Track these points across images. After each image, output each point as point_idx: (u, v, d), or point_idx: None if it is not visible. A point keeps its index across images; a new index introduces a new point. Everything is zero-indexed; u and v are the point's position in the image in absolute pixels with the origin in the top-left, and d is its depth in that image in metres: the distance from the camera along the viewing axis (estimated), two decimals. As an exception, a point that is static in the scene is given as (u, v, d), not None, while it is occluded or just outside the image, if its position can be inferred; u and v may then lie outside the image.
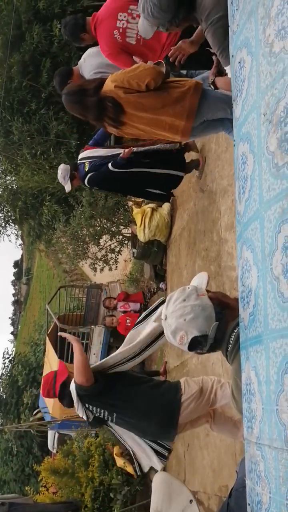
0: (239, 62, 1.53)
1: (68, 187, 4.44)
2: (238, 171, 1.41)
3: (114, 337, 7.45)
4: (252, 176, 1.28)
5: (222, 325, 1.56)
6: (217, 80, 2.71)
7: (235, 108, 1.52)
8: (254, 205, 1.25)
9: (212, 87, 2.74)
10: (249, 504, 1.17)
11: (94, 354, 7.31)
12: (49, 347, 7.94)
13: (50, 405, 7.40)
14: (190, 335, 1.56)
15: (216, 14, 2.18)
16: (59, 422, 7.36)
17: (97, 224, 7.23)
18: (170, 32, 2.57)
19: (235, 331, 1.49)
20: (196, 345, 1.57)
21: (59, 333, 3.78)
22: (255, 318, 1.22)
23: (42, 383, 3.51)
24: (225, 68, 2.44)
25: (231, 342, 1.51)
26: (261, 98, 1.29)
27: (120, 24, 3.37)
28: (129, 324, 6.56)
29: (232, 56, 1.61)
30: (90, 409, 3.04)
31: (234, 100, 1.53)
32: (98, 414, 3.04)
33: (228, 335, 1.53)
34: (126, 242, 7.61)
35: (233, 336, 1.50)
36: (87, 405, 3.02)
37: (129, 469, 5.71)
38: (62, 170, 4.50)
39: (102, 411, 3.03)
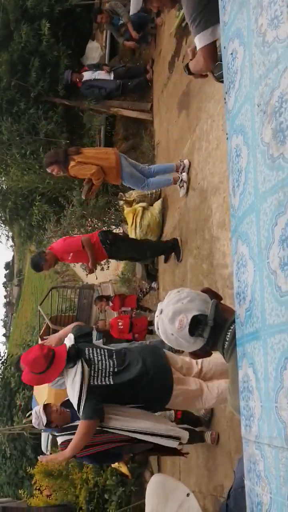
0: (231, 54, 1.49)
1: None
2: (232, 164, 1.38)
3: (107, 338, 7.39)
4: (246, 168, 1.24)
5: (220, 309, 1.54)
6: (190, 64, 2.72)
7: (227, 100, 1.49)
8: (249, 198, 1.21)
9: (187, 71, 2.76)
10: (248, 506, 1.14)
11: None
12: (42, 349, 7.86)
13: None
14: (189, 314, 1.54)
15: None
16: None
17: (88, 224, 7.18)
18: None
19: (231, 328, 1.46)
20: (196, 325, 1.54)
21: (39, 457, 3.67)
22: (252, 314, 1.18)
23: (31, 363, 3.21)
24: (194, 38, 2.43)
25: (227, 339, 1.48)
26: (255, 88, 1.26)
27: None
28: (121, 327, 6.50)
29: (224, 47, 1.58)
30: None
31: (226, 93, 1.50)
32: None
33: (225, 331, 1.50)
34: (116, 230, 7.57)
35: (229, 333, 1.47)
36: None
37: (124, 469, 5.67)
38: (35, 416, 3.75)
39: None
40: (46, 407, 3.61)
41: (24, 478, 10.89)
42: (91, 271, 5.46)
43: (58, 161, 5.10)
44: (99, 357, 3.28)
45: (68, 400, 3.64)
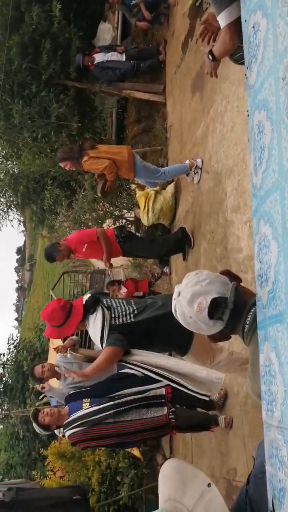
0: (253, 27, 1.43)
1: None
2: (253, 141, 1.33)
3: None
4: (270, 145, 1.20)
5: (240, 291, 1.50)
6: (213, 49, 2.63)
7: (249, 75, 1.43)
8: (273, 176, 1.17)
9: (210, 57, 2.68)
10: (269, 491, 1.12)
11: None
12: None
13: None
14: (209, 297, 1.50)
15: None
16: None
17: (100, 208, 7.14)
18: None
19: (252, 310, 1.42)
20: (216, 308, 1.49)
21: (57, 369, 3.84)
22: (275, 296, 1.15)
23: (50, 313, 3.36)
24: (217, 16, 2.34)
25: (247, 322, 1.44)
26: (279, 61, 1.21)
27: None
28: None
29: (245, 21, 1.52)
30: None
31: (247, 67, 1.44)
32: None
33: (245, 314, 1.46)
34: (129, 226, 7.53)
35: (249, 316, 1.43)
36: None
37: (136, 452, 5.71)
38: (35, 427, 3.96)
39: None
40: (36, 415, 3.75)
41: (37, 460, 11.05)
42: (110, 265, 5.47)
43: (72, 157, 5.18)
44: (118, 303, 3.38)
45: (70, 395, 3.72)
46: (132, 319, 3.24)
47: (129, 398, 3.39)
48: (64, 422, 3.56)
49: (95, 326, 3.23)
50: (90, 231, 5.32)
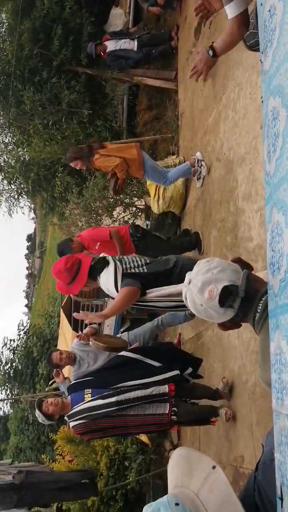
0: (269, 10, 1.41)
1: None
2: (267, 128, 1.31)
3: (127, 309, 7.41)
4: (284, 132, 1.18)
5: (251, 279, 1.49)
6: (216, 44, 2.61)
7: (264, 60, 1.41)
8: (286, 163, 1.16)
9: (211, 52, 2.66)
10: (278, 479, 1.13)
11: (108, 326, 7.31)
12: (63, 319, 7.97)
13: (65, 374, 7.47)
14: (220, 285, 1.49)
15: None
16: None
17: (110, 196, 7.13)
18: None
19: (263, 299, 1.42)
20: (227, 296, 1.49)
21: (74, 315, 3.86)
22: (287, 285, 1.14)
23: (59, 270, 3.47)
24: (225, 7, 2.31)
25: (258, 310, 1.43)
26: (296, 46, 1.19)
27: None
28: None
29: (261, 4, 1.49)
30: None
31: (262, 52, 1.42)
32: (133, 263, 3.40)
33: (256, 302, 1.46)
34: (139, 214, 7.52)
35: (261, 305, 1.43)
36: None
37: (144, 438, 5.77)
38: (38, 416, 4.09)
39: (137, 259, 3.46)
40: (41, 404, 3.83)
41: (46, 444, 11.22)
42: None
43: (82, 156, 5.31)
44: (130, 258, 3.49)
45: (72, 385, 3.73)
46: (145, 270, 3.33)
47: (132, 395, 3.38)
48: (68, 413, 3.60)
49: (108, 275, 3.29)
50: (104, 230, 5.32)
